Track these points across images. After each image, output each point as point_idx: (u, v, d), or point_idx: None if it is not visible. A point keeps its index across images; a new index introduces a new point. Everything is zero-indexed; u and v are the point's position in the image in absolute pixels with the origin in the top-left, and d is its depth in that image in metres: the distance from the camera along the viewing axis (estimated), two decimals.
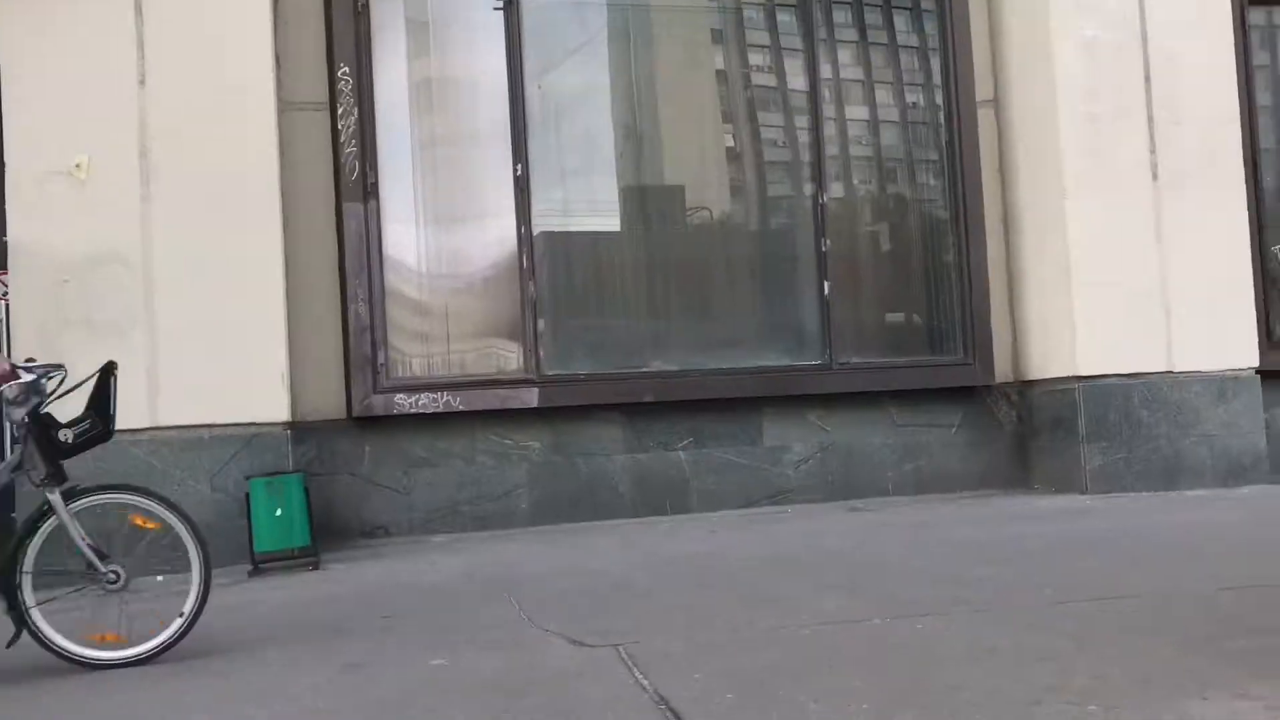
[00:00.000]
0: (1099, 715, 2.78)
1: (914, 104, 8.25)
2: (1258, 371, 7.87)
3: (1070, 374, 7.66)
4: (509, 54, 7.45)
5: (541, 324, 7.40)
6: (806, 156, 7.96)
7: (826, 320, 7.82)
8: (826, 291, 7.83)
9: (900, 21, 8.30)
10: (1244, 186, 7.94)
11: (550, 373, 7.38)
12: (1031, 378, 8.06)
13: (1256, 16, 8.41)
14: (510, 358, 7.42)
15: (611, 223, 7.83)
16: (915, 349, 8.09)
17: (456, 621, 4.53)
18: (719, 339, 7.80)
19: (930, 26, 8.25)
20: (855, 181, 8.17)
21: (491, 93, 7.50)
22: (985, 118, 8.19)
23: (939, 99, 8.21)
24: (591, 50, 7.82)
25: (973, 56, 8.15)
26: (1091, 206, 7.64)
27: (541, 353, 7.37)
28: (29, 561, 4.07)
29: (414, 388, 7.15)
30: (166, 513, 4.14)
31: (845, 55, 8.12)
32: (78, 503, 4.10)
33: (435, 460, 7.24)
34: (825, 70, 8.01)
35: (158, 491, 4.39)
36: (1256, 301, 7.97)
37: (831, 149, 7.99)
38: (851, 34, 8.17)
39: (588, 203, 7.80)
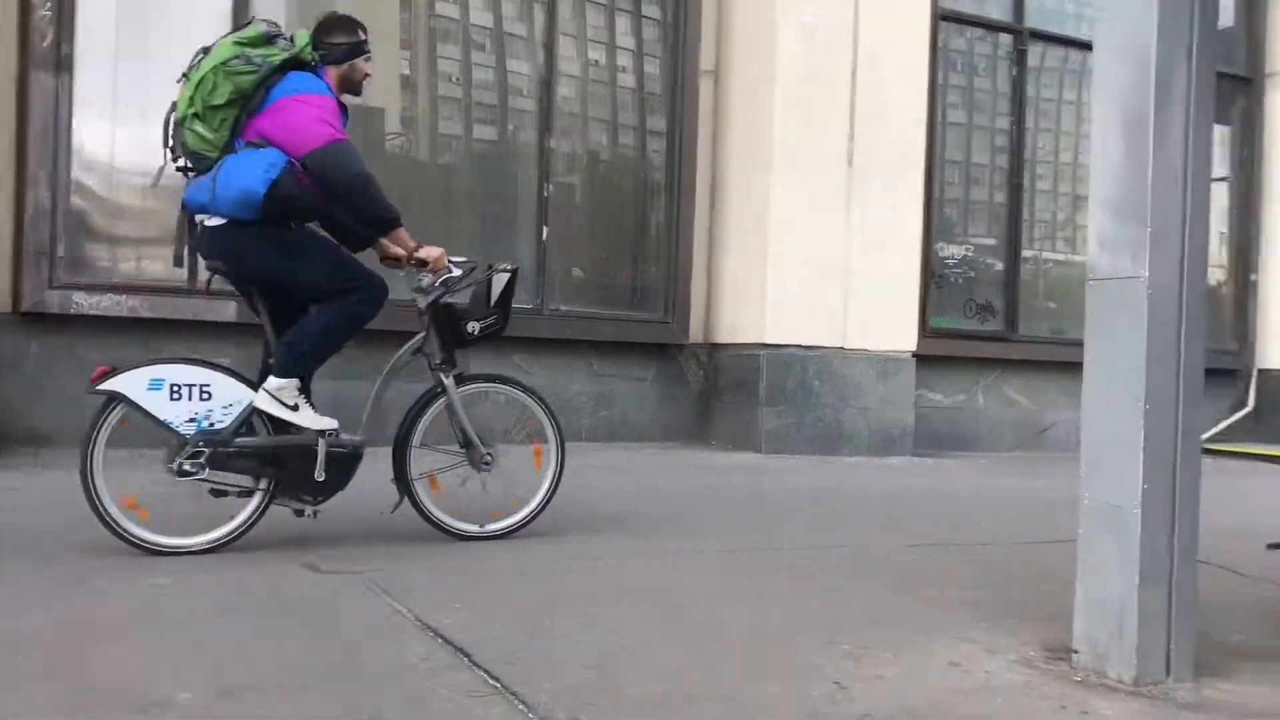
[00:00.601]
0: (853, 653, 3.04)
1: (643, 68, 8.42)
2: (914, 355, 8.73)
3: (757, 341, 8.16)
4: None
5: None
6: (535, 104, 7.95)
7: (542, 265, 7.88)
8: (545, 237, 7.88)
9: None
10: (924, 187, 8.74)
11: None
12: (721, 341, 8.51)
13: (949, 34, 9.23)
14: None
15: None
16: (621, 303, 8.32)
17: None
18: None
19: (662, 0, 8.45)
20: (582, 135, 8.24)
21: None
22: (705, 87, 8.50)
23: (666, 65, 8.43)
24: None
25: (700, 28, 8.42)
26: (794, 185, 8.14)
27: None
28: (418, 437, 4.31)
29: (96, 288, 6.52)
30: (534, 403, 4.51)
31: (582, 12, 8.15)
32: (465, 388, 4.38)
33: None
34: (566, 25, 8.02)
35: (523, 382, 4.70)
36: (920, 293, 8.82)
37: (562, 100, 8.03)
38: None
39: None
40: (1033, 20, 9.59)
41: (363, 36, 4.22)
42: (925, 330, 8.99)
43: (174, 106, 3.99)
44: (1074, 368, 10.51)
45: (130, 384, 3.86)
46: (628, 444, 8.17)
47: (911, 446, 8.67)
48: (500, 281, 4.42)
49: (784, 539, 4.86)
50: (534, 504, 4.49)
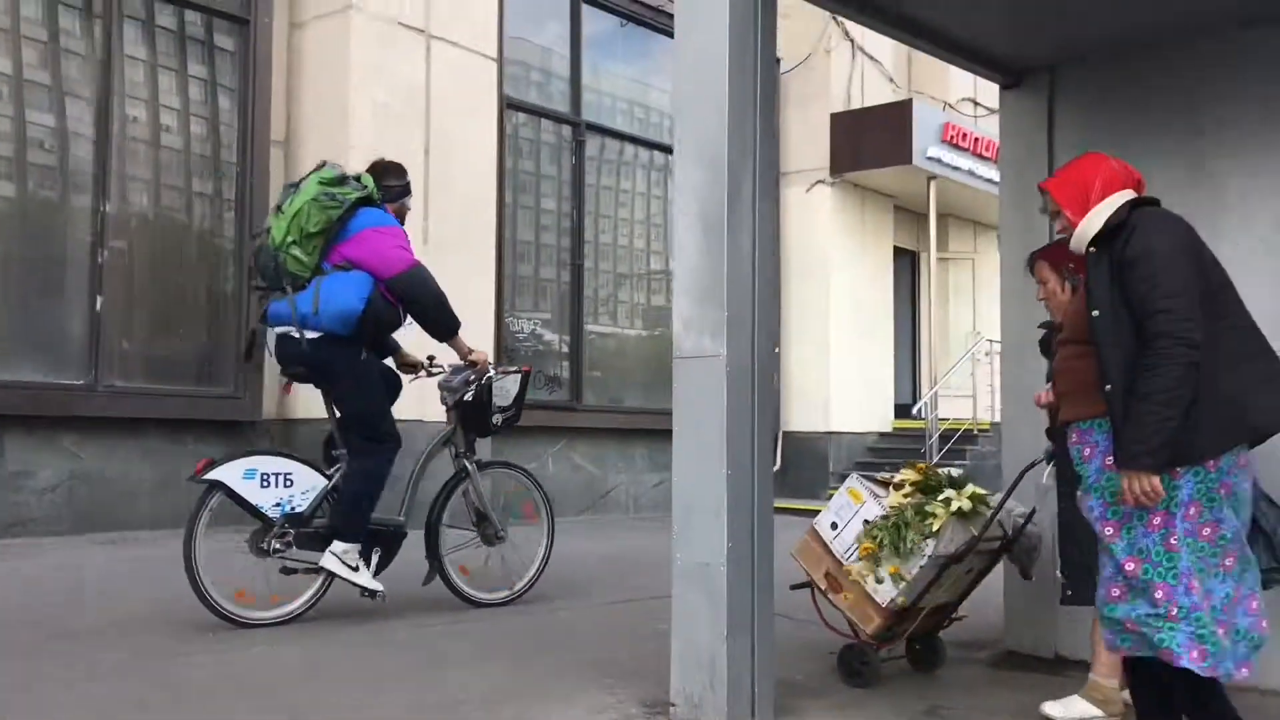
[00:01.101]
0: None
1: (211, 136, 8.07)
2: None
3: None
4: None
5: None
6: (90, 165, 7.35)
7: (96, 338, 7.25)
8: (99, 306, 7.27)
9: (206, 55, 8.10)
10: (494, 262, 9.05)
11: None
12: (296, 417, 8.24)
13: (517, 122, 9.68)
14: None
15: None
16: (187, 378, 7.83)
17: None
18: None
19: (233, 64, 8.17)
20: (143, 199, 7.72)
21: None
22: (275, 156, 8.31)
23: (236, 134, 8.14)
24: None
25: (271, 98, 8.24)
26: None
27: None
28: (445, 517, 5.01)
29: None
30: (531, 485, 5.43)
31: (143, 78, 7.71)
32: (483, 473, 5.19)
33: None
34: (121, 85, 7.51)
35: (521, 466, 5.63)
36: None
37: (121, 162, 7.49)
38: (152, 59, 7.78)
39: None
40: (589, 114, 10.29)
41: (409, 179, 5.03)
42: None
43: (266, 234, 4.55)
44: (631, 434, 11.24)
45: (229, 474, 4.39)
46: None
47: None
48: (516, 381, 5.21)
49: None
50: (529, 576, 5.31)
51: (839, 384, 12.08)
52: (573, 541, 8.11)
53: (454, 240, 8.66)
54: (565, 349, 10.12)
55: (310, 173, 4.67)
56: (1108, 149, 4.36)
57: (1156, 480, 2.67)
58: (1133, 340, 2.75)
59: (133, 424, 7.41)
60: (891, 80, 12.98)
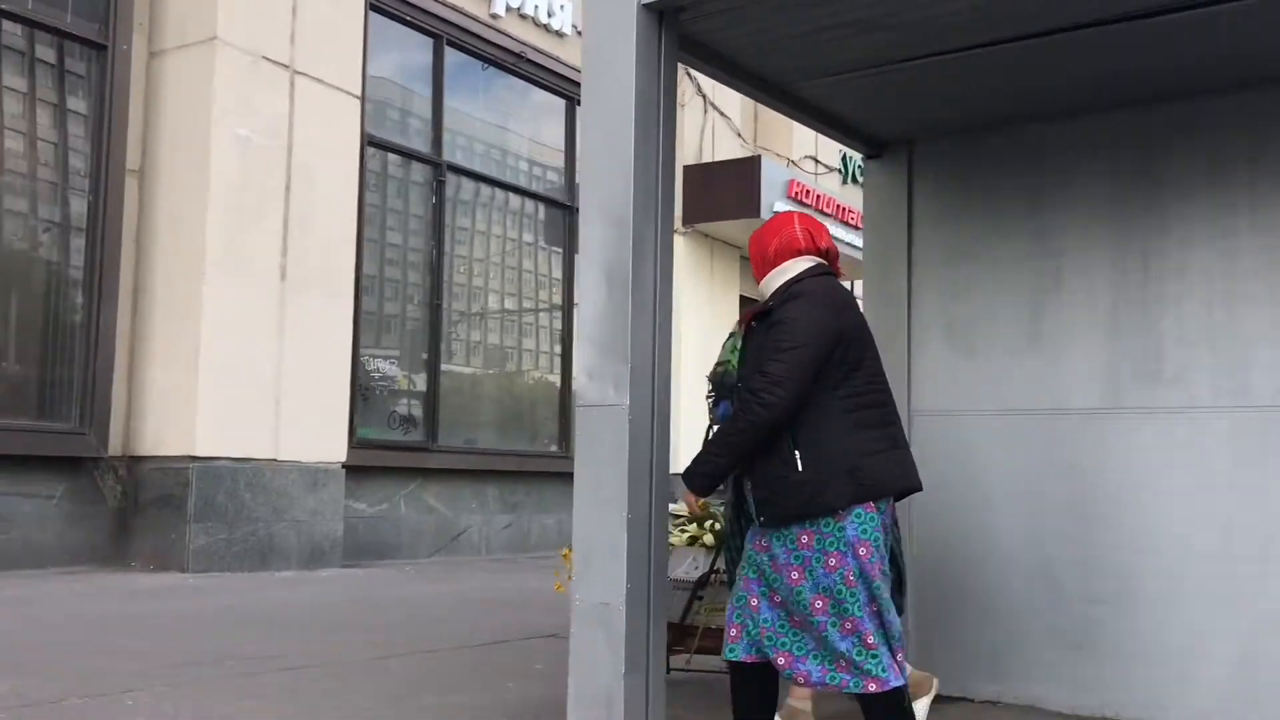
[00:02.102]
0: None
1: (61, 164, 7.81)
2: (343, 466, 8.86)
3: (186, 453, 7.80)
4: None
5: None
6: None
7: None
8: None
9: (59, 80, 7.86)
10: (352, 301, 9.00)
11: None
12: (143, 453, 8.00)
13: (377, 160, 9.67)
14: None
15: None
16: (28, 412, 7.51)
17: None
18: None
19: (87, 91, 7.94)
20: None
21: None
22: (130, 185, 8.09)
23: (87, 161, 7.89)
24: None
25: (127, 126, 8.03)
26: (228, 293, 7.98)
27: None
28: None
29: None
30: None
31: (1, 101, 7.42)
32: None
33: None
34: None
35: None
36: (349, 405, 9.01)
37: None
38: (12, 82, 7.51)
39: None
40: (449, 154, 10.36)
41: None
42: (352, 441, 9.16)
43: (727, 365, 4.33)
44: (485, 475, 11.29)
45: None
46: (32, 570, 7.32)
47: (341, 557, 8.73)
48: None
49: (249, 662, 4.73)
50: None
51: (688, 429, 12.35)
52: (430, 584, 8.09)
53: (313, 277, 8.58)
54: (421, 388, 10.10)
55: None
56: (961, 218, 4.78)
57: (692, 497, 3.25)
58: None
59: None
60: (740, 136, 13.49)
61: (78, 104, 7.94)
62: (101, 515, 7.86)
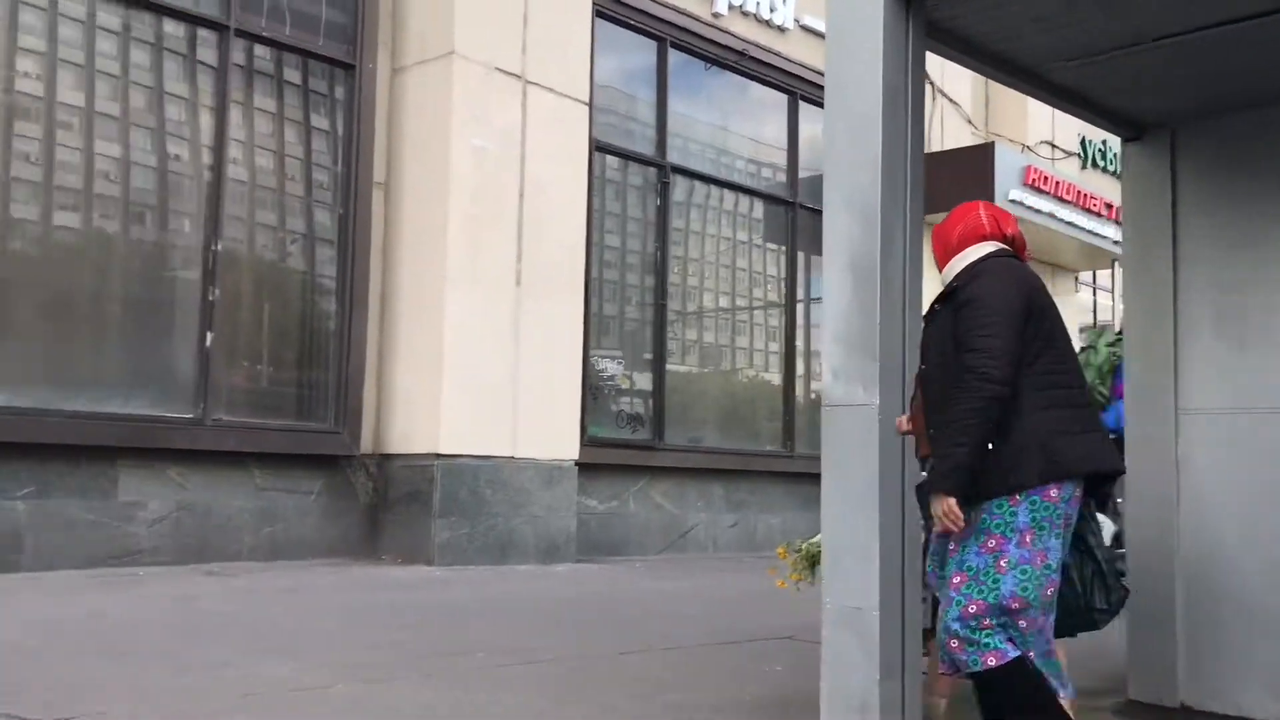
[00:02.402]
0: None
1: (314, 179, 8.31)
2: (576, 463, 9.05)
3: (431, 451, 8.14)
4: None
5: None
6: (203, 206, 7.59)
7: (205, 373, 7.45)
8: (209, 343, 7.48)
9: (312, 100, 8.36)
10: (582, 304, 9.19)
11: None
12: (391, 451, 8.40)
13: (604, 164, 9.85)
14: None
15: None
16: (289, 412, 8.02)
17: None
18: (81, 378, 7.05)
19: (337, 109, 8.42)
20: (251, 240, 7.96)
21: None
22: (376, 197, 8.52)
23: (339, 176, 8.36)
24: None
25: (374, 142, 8.46)
26: (467, 298, 8.29)
27: None
28: None
29: None
30: None
31: (253, 123, 7.96)
32: None
33: None
34: (234, 131, 7.77)
35: None
36: (580, 404, 9.20)
37: (232, 204, 7.73)
38: (261, 104, 8.03)
39: None
40: (674, 157, 10.44)
41: None
42: (584, 439, 9.35)
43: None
44: (709, 473, 11.27)
45: None
46: (294, 562, 7.81)
47: (575, 553, 8.93)
48: None
49: (498, 654, 4.88)
50: None
51: None
52: (661, 581, 8.17)
53: (545, 281, 8.80)
54: (646, 387, 10.22)
55: (1098, 337, 6.12)
56: (1235, 204, 4.42)
57: (951, 502, 2.89)
58: (955, 384, 2.96)
59: (235, 457, 7.59)
60: (970, 123, 13.04)
61: (325, 121, 8.41)
62: (354, 510, 8.31)
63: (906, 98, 3.45)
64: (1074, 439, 2.97)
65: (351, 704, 3.84)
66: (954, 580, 2.97)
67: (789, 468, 10.87)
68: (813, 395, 11.58)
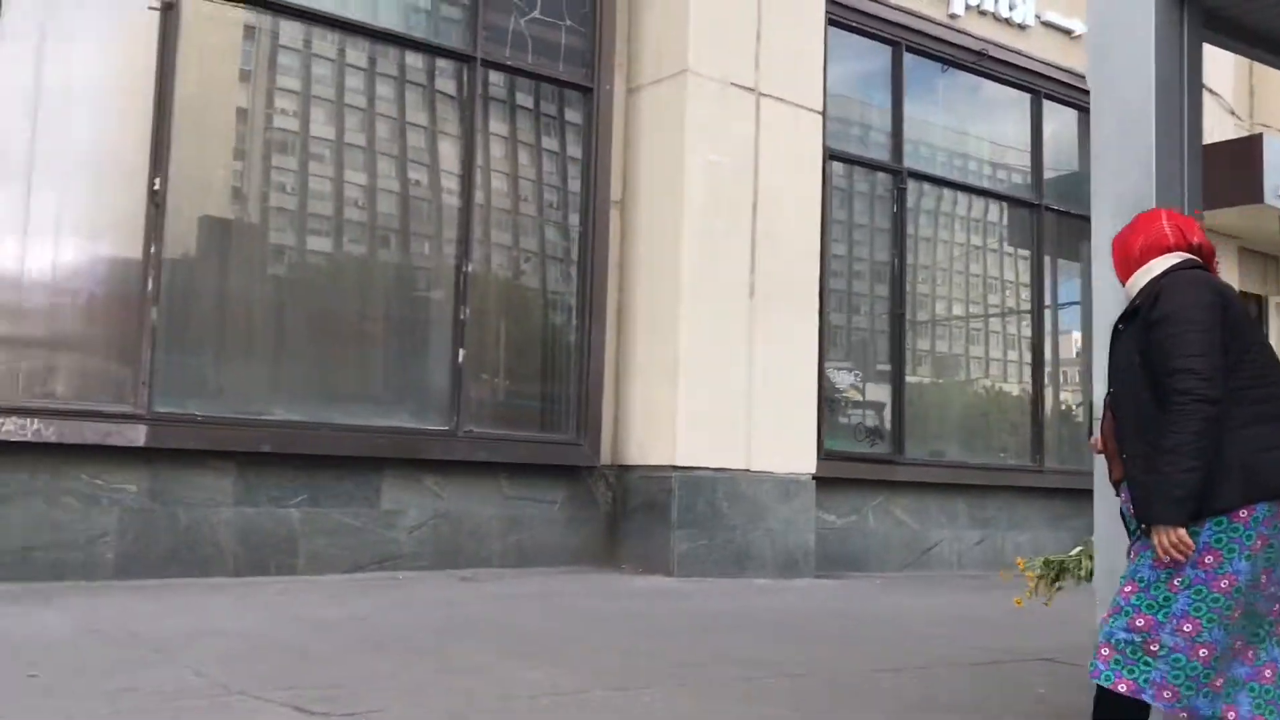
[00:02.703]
0: None
1: (554, 200, 8.60)
2: (813, 477, 8.96)
3: (668, 463, 8.24)
4: (161, 60, 6.80)
5: (158, 355, 6.70)
6: (455, 230, 7.97)
7: (458, 387, 7.81)
8: (460, 359, 7.84)
9: (549, 125, 8.64)
10: (816, 313, 9.10)
11: (162, 410, 6.68)
12: (630, 463, 8.56)
13: (837, 172, 9.75)
14: (116, 388, 6.63)
15: (247, 256, 7.31)
16: (533, 424, 8.29)
17: (134, 683, 3.95)
18: (347, 393, 7.52)
19: (575, 131, 8.67)
20: (497, 260, 8.30)
21: (132, 101, 6.80)
22: (613, 216, 8.71)
23: (577, 196, 8.61)
24: (255, 76, 7.36)
25: (610, 162, 8.67)
26: (701, 312, 8.36)
27: (155, 387, 6.66)
28: None
29: None
30: None
31: (497, 148, 8.32)
32: None
33: (9, 496, 6.24)
34: (479, 157, 8.12)
35: None
36: (817, 417, 9.10)
37: (479, 227, 8.09)
38: (504, 130, 8.38)
39: (225, 231, 7.25)
40: (910, 161, 10.21)
41: None
42: (820, 452, 9.24)
43: None
44: (953, 489, 10.92)
45: None
46: (539, 569, 8.06)
47: (813, 567, 8.83)
48: None
49: (745, 666, 4.88)
50: None
51: None
52: (905, 598, 7.98)
53: (779, 292, 8.77)
54: (884, 399, 10.01)
55: None
56: None
57: (1182, 532, 2.77)
58: (1152, 403, 2.85)
59: (485, 467, 7.91)
60: (1233, 113, 12.18)
61: (564, 143, 8.67)
62: (595, 520, 8.51)
63: (1181, 92, 3.26)
64: (1278, 455, 2.84)
65: (611, 711, 3.92)
66: (1124, 589, 2.89)
67: (1038, 483, 10.42)
68: (1063, 406, 11.06)
